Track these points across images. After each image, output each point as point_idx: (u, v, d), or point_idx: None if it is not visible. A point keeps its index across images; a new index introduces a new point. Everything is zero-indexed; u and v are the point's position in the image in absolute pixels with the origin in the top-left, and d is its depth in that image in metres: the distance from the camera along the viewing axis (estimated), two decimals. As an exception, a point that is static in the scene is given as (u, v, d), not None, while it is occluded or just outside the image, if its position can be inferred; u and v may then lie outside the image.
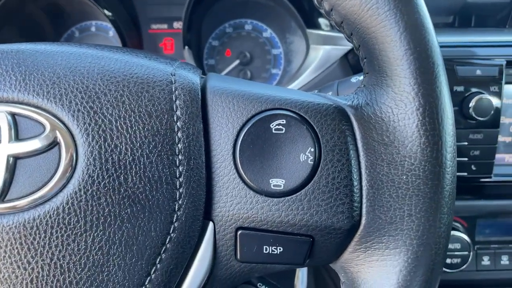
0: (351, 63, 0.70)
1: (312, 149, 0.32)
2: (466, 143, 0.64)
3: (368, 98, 0.33)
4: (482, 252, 0.74)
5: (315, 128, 0.32)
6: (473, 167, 0.66)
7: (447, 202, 0.30)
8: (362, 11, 0.31)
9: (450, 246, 0.71)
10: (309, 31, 0.77)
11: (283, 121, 0.32)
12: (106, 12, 0.79)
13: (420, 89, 0.30)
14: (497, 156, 0.68)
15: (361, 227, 0.32)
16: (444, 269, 0.71)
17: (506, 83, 0.64)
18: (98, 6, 0.77)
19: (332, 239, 0.32)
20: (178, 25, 0.89)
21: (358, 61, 0.69)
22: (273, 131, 0.32)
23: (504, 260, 0.75)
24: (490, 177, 0.67)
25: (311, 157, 0.32)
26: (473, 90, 0.62)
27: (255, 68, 0.91)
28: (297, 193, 0.32)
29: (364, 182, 0.32)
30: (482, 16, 0.71)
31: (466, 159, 0.65)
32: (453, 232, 0.71)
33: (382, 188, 0.31)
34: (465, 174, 0.66)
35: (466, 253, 0.71)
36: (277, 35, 0.90)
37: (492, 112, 0.61)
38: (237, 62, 0.90)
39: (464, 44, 0.64)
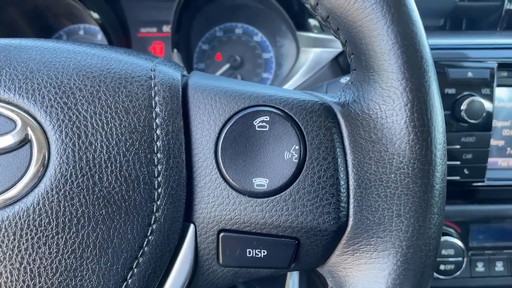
0: (341, 66, 0.69)
1: (297, 147, 0.30)
2: (458, 147, 0.63)
3: (355, 95, 0.32)
4: (476, 258, 0.73)
5: (300, 125, 0.31)
6: (466, 171, 0.64)
7: (437, 202, 0.29)
8: (348, 5, 0.30)
9: (444, 252, 0.69)
10: (299, 33, 0.76)
11: (266, 118, 0.31)
12: (93, 15, 0.78)
13: (408, 84, 0.29)
14: (490, 160, 0.67)
15: (349, 228, 0.30)
16: (437, 275, 0.70)
17: (498, 85, 0.63)
18: (85, 8, 0.76)
19: (318, 241, 0.31)
20: (167, 28, 0.88)
21: (349, 63, 0.68)
22: (257, 129, 0.31)
23: (499, 266, 0.73)
24: (483, 181, 0.66)
25: (296, 155, 0.30)
26: (465, 92, 0.61)
27: (245, 72, 0.90)
28: (282, 193, 0.30)
29: (351, 181, 0.30)
30: (473, 19, 0.71)
31: (458, 162, 0.64)
32: (446, 238, 0.70)
33: (370, 187, 0.30)
34: (458, 178, 0.65)
35: (460, 259, 0.69)
36: (268, 39, 0.89)
37: (484, 114, 0.60)
38: (227, 66, 0.89)
39: (456, 47, 0.63)
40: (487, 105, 0.61)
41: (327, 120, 0.31)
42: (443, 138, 0.29)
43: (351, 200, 0.30)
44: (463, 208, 0.71)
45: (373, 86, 0.30)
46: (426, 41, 0.30)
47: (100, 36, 0.89)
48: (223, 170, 0.31)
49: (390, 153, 0.29)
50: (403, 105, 0.29)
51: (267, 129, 0.31)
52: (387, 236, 0.29)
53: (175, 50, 0.80)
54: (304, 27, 0.76)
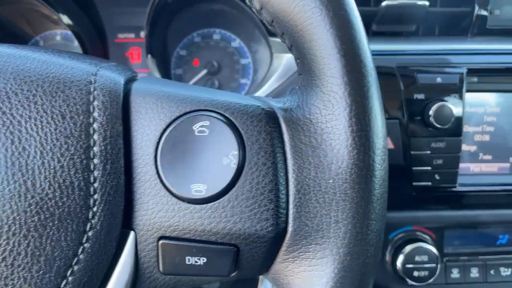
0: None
1: (236, 152, 0.30)
2: (428, 152, 0.63)
3: (299, 100, 0.31)
4: (451, 264, 0.73)
5: (240, 130, 0.30)
6: (437, 177, 0.64)
7: (375, 208, 0.28)
8: (289, 8, 0.30)
9: (417, 258, 0.69)
10: (271, 39, 0.76)
11: (206, 123, 0.30)
12: (66, 20, 0.77)
13: (346, 88, 0.28)
14: (462, 165, 0.67)
15: (288, 235, 0.30)
16: (411, 282, 0.69)
17: (468, 91, 0.63)
18: (56, 13, 0.76)
19: (257, 248, 0.30)
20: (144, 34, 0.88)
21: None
22: (196, 134, 0.30)
23: (474, 272, 0.73)
24: (455, 187, 0.66)
25: (235, 161, 0.30)
26: (434, 98, 0.61)
27: (223, 78, 0.90)
28: (220, 199, 0.30)
29: (291, 187, 0.30)
30: (446, 25, 0.71)
31: (429, 168, 0.64)
32: (420, 244, 0.69)
33: (308, 193, 0.29)
34: (429, 183, 0.65)
35: (433, 265, 0.69)
36: (246, 45, 0.89)
37: (453, 119, 0.60)
38: (204, 71, 0.88)
39: (426, 52, 0.63)
40: (456, 110, 0.61)
41: (268, 125, 0.31)
42: (382, 143, 0.29)
43: (291, 206, 0.30)
44: (436, 214, 0.70)
45: (315, 91, 0.30)
46: (366, 45, 0.30)
47: (77, 42, 0.89)
48: (162, 176, 0.30)
49: (329, 159, 0.29)
50: (342, 109, 0.28)
51: (206, 134, 0.30)
52: (325, 243, 0.28)
53: (149, 56, 0.79)
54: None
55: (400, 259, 0.69)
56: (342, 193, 0.28)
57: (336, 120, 0.28)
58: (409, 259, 0.69)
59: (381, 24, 0.68)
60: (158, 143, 0.31)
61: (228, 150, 0.30)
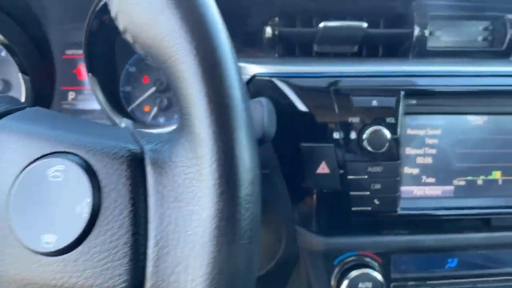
0: (251, 91, 0.67)
1: (89, 200, 0.27)
2: (366, 177, 0.61)
3: (171, 140, 0.29)
4: (399, 290, 0.71)
5: (98, 174, 0.28)
6: (376, 201, 0.62)
7: (237, 263, 0.26)
8: (157, 44, 0.28)
9: (361, 285, 0.67)
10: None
11: (61, 167, 0.28)
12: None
13: (209, 130, 0.26)
14: (405, 188, 0.65)
15: None
16: (356, 310, 0.67)
17: (408, 113, 0.62)
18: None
19: None
20: (93, 50, 0.86)
21: (259, 90, 0.65)
22: (50, 179, 0.28)
23: (423, 298, 0.71)
24: (396, 212, 0.64)
25: (87, 209, 0.27)
26: (369, 121, 0.59)
27: (172, 96, 0.87)
28: (71, 252, 0.27)
29: (150, 239, 0.27)
30: (389, 46, 0.69)
31: (367, 192, 0.62)
32: (365, 270, 0.67)
33: (167, 246, 0.27)
34: (369, 208, 0.63)
35: (378, 292, 0.67)
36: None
37: (388, 143, 0.58)
38: (153, 89, 0.86)
39: (363, 74, 0.61)
40: (392, 134, 0.59)
41: (130, 169, 0.28)
42: (246, 191, 0.26)
43: (148, 260, 0.27)
44: (381, 239, 0.68)
45: (184, 132, 0.28)
46: (234, 82, 0.27)
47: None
48: (13, 226, 0.28)
49: (190, 208, 0.26)
50: (204, 153, 0.26)
51: (60, 179, 0.28)
52: None
53: (89, 74, 0.77)
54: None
55: (344, 285, 0.67)
56: (200, 248, 0.26)
57: (199, 165, 0.26)
58: (352, 285, 0.67)
59: (322, 45, 0.66)
60: (12, 189, 0.28)
61: (81, 197, 0.28)
